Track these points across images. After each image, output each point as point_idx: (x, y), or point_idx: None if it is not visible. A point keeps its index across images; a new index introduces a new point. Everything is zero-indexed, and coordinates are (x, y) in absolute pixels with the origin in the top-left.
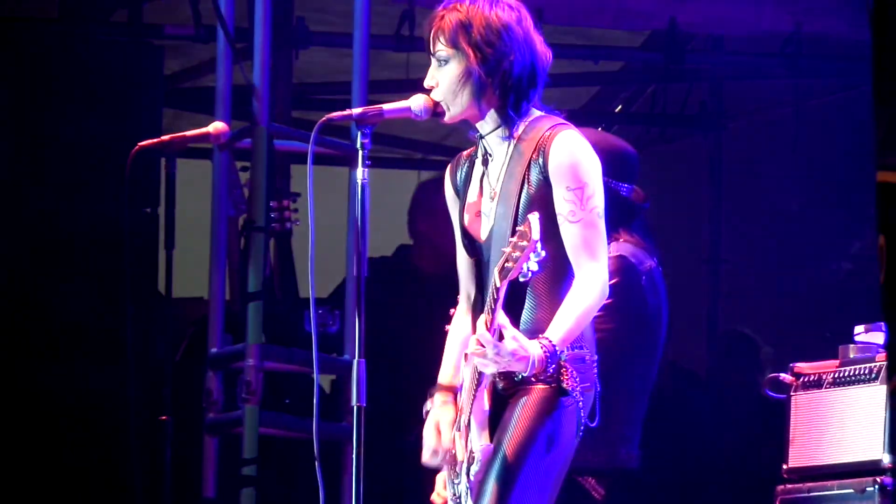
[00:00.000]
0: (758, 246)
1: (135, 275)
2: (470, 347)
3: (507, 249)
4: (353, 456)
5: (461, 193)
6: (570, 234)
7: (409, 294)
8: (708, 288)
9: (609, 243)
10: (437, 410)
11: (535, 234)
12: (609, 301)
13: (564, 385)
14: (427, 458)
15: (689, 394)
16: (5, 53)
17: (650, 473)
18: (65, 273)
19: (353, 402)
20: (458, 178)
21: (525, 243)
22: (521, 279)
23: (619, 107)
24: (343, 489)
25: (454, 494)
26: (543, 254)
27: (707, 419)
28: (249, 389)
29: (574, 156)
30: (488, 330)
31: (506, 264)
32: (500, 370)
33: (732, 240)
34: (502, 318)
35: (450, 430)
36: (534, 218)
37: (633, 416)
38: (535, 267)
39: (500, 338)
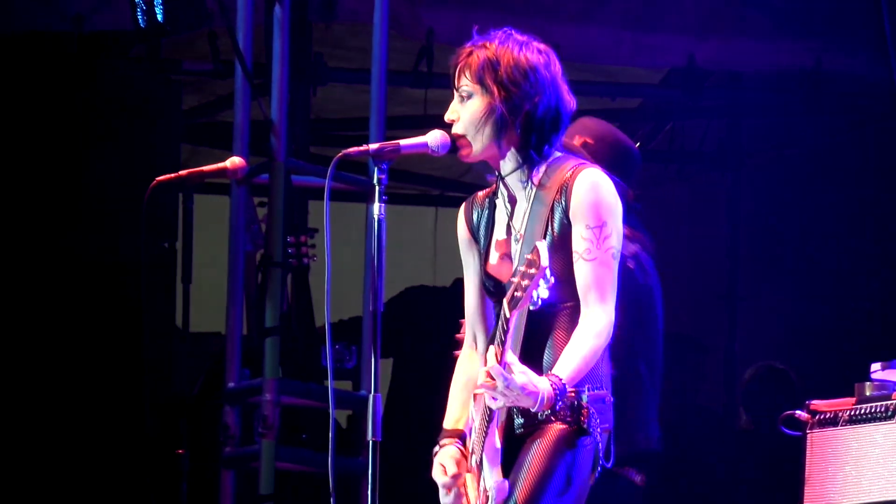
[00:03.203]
0: (775, 283)
1: (152, 309)
2: (479, 379)
3: (516, 279)
4: (369, 491)
5: (480, 235)
6: (583, 272)
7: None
8: (725, 324)
9: None
10: (442, 453)
11: (544, 260)
12: None
13: (585, 425)
14: (443, 498)
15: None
16: (23, 87)
17: None
18: (82, 306)
19: (369, 436)
20: (475, 219)
21: (534, 271)
22: (532, 308)
23: (637, 143)
24: None
25: None
26: (553, 280)
27: (726, 456)
28: (266, 424)
29: (595, 194)
30: (498, 362)
31: (515, 293)
32: (509, 405)
33: (750, 277)
34: (510, 355)
35: (453, 463)
36: (542, 245)
37: (644, 399)
38: (545, 294)
39: (510, 372)
